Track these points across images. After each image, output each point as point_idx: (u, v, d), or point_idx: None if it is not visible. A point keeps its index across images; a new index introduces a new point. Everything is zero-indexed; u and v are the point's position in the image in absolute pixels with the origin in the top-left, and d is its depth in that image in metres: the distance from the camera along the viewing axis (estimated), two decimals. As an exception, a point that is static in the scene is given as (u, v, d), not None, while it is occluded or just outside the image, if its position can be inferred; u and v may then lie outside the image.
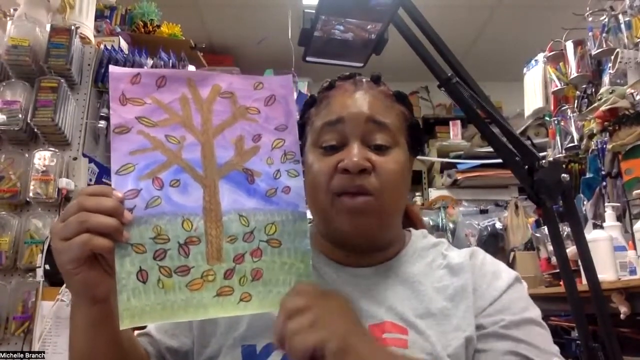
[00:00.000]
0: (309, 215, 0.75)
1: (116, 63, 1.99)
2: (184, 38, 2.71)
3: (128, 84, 0.65)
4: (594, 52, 2.25)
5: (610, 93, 1.98)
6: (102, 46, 2.03)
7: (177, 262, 0.62)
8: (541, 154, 0.69)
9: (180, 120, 0.66)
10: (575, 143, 2.37)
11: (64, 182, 1.74)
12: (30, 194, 1.73)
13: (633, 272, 1.66)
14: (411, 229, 0.87)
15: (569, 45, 2.43)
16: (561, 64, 2.52)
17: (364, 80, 0.83)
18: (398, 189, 0.77)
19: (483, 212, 3.31)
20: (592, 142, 2.23)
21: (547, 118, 2.69)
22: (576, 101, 2.42)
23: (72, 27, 1.88)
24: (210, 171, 0.65)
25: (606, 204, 1.98)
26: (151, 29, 2.60)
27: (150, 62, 2.09)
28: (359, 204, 0.73)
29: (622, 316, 1.56)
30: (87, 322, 0.66)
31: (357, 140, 0.75)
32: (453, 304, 0.74)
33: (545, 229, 2.25)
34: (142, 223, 0.61)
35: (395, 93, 0.83)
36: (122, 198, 0.61)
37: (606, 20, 2.20)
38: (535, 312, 0.75)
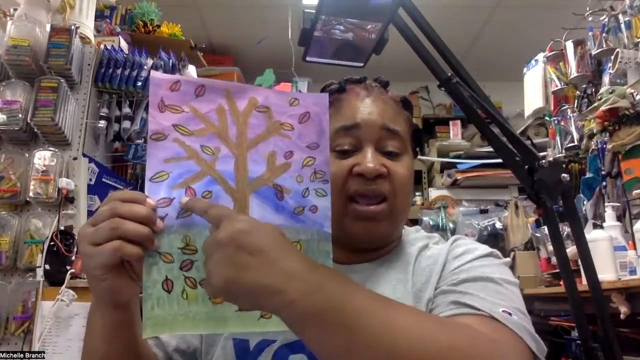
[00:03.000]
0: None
1: (116, 63, 1.99)
2: (184, 38, 2.71)
3: (167, 90, 0.64)
4: (594, 52, 2.25)
5: (610, 93, 1.98)
6: (102, 46, 2.03)
7: (202, 274, 0.60)
8: (541, 154, 0.69)
9: (215, 131, 0.65)
10: (575, 143, 2.37)
11: (64, 182, 1.74)
12: (30, 194, 1.73)
13: (633, 272, 1.66)
14: (405, 226, 0.90)
15: (569, 45, 2.43)
16: (561, 64, 2.52)
17: (374, 85, 0.85)
18: (408, 193, 0.82)
19: (483, 212, 3.30)
20: (592, 142, 2.23)
21: (547, 118, 2.69)
22: (576, 101, 2.42)
23: (72, 27, 1.88)
24: (242, 185, 0.65)
25: (606, 204, 1.98)
26: (151, 29, 2.60)
27: (150, 62, 2.09)
28: (373, 211, 0.76)
29: (622, 316, 1.56)
30: (106, 327, 0.66)
31: (372, 146, 0.78)
32: (426, 286, 0.75)
33: (545, 229, 2.25)
34: (172, 232, 0.61)
35: (402, 99, 0.86)
36: (155, 206, 0.60)
37: (606, 20, 2.20)
38: (500, 275, 0.69)
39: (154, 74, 0.65)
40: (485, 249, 0.78)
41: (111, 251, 0.57)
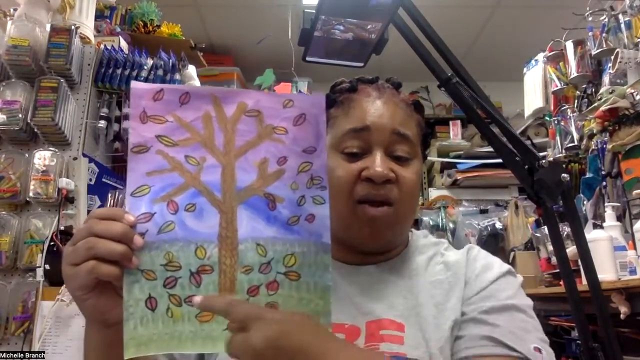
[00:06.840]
0: None
1: (116, 63, 1.99)
2: (184, 38, 2.71)
3: (150, 100, 0.61)
4: (594, 52, 2.25)
5: (610, 93, 1.98)
6: (102, 46, 2.03)
7: (187, 291, 0.59)
8: (541, 154, 0.69)
9: (201, 140, 0.62)
10: (575, 143, 2.38)
11: (64, 182, 1.73)
12: (30, 194, 1.72)
13: (633, 272, 1.66)
14: (412, 229, 0.89)
15: (569, 45, 2.43)
16: (561, 64, 2.52)
17: (386, 86, 0.84)
18: (415, 199, 0.81)
19: (483, 212, 3.31)
20: (592, 142, 2.23)
21: (547, 118, 2.70)
22: (576, 101, 2.42)
23: (72, 27, 1.88)
24: (229, 196, 0.61)
25: (606, 204, 1.98)
26: (151, 29, 2.60)
27: (150, 62, 2.09)
28: (380, 213, 0.75)
29: (622, 316, 1.56)
30: (101, 344, 0.65)
31: (381, 150, 0.77)
32: (447, 298, 0.74)
33: (545, 229, 2.25)
34: (154, 249, 0.59)
35: (414, 102, 0.85)
36: (134, 222, 0.58)
37: (606, 20, 2.20)
38: (522, 301, 0.73)
39: (135, 84, 0.62)
40: (501, 265, 0.78)
41: (86, 272, 0.56)
